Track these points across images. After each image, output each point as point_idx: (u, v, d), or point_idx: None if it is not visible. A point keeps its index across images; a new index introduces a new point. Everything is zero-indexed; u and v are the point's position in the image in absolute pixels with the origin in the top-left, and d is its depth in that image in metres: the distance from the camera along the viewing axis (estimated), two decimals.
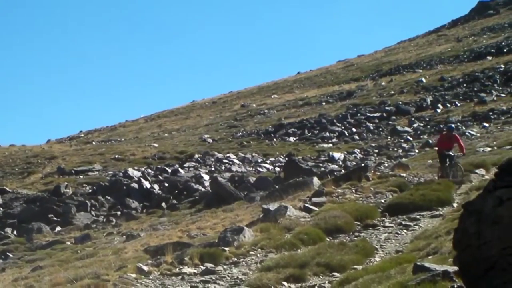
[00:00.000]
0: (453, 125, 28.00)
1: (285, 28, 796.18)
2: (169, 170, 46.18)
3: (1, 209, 41.88)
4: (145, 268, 14.98)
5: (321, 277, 13.44)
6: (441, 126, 47.93)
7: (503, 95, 54.31)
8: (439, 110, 53.74)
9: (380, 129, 52.84)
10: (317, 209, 20.34)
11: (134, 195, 41.52)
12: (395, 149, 43.95)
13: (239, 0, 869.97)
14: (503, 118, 46.26)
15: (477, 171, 24.83)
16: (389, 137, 49.31)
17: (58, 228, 37.68)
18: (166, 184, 42.89)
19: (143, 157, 52.24)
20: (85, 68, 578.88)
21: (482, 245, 6.80)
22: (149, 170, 46.72)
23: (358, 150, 45.97)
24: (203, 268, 14.76)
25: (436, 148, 24.89)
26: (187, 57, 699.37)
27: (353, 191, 23.41)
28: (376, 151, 44.99)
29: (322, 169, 39.34)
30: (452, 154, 24.08)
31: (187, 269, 14.74)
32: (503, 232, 6.64)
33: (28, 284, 19.55)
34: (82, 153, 56.54)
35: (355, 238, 16.56)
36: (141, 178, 43.61)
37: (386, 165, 36.67)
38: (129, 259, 18.62)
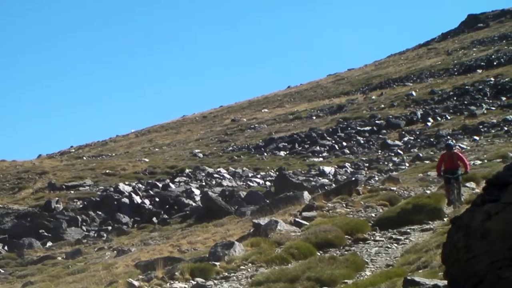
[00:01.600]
0: (452, 142, 26.60)
1: (275, 42, 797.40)
2: (160, 185, 46.11)
3: None
4: (136, 283, 14.97)
5: None
6: (432, 139, 48.07)
7: (493, 108, 54.46)
8: (429, 124, 53.84)
9: (371, 143, 52.87)
10: (307, 223, 20.35)
11: (125, 210, 41.44)
12: (386, 163, 43.93)
13: (229, 15, 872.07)
14: (493, 131, 46.30)
15: (467, 184, 24.81)
16: (380, 151, 49.32)
17: (49, 243, 37.55)
18: (157, 199, 42.82)
19: (134, 172, 52.15)
20: (75, 83, 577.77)
21: (471, 259, 6.82)
22: (140, 185, 46.64)
23: (349, 164, 45.95)
24: (194, 283, 14.75)
25: (438, 171, 22.88)
26: (177, 72, 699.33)
27: (344, 205, 23.43)
28: (367, 165, 44.97)
29: (313, 183, 39.34)
30: (458, 174, 21.96)
31: (177, 284, 14.74)
32: (492, 246, 6.67)
33: None
34: (73, 168, 56.38)
35: (346, 252, 16.57)
36: (132, 193, 43.49)
37: (377, 179, 36.67)
38: (120, 275, 18.62)
